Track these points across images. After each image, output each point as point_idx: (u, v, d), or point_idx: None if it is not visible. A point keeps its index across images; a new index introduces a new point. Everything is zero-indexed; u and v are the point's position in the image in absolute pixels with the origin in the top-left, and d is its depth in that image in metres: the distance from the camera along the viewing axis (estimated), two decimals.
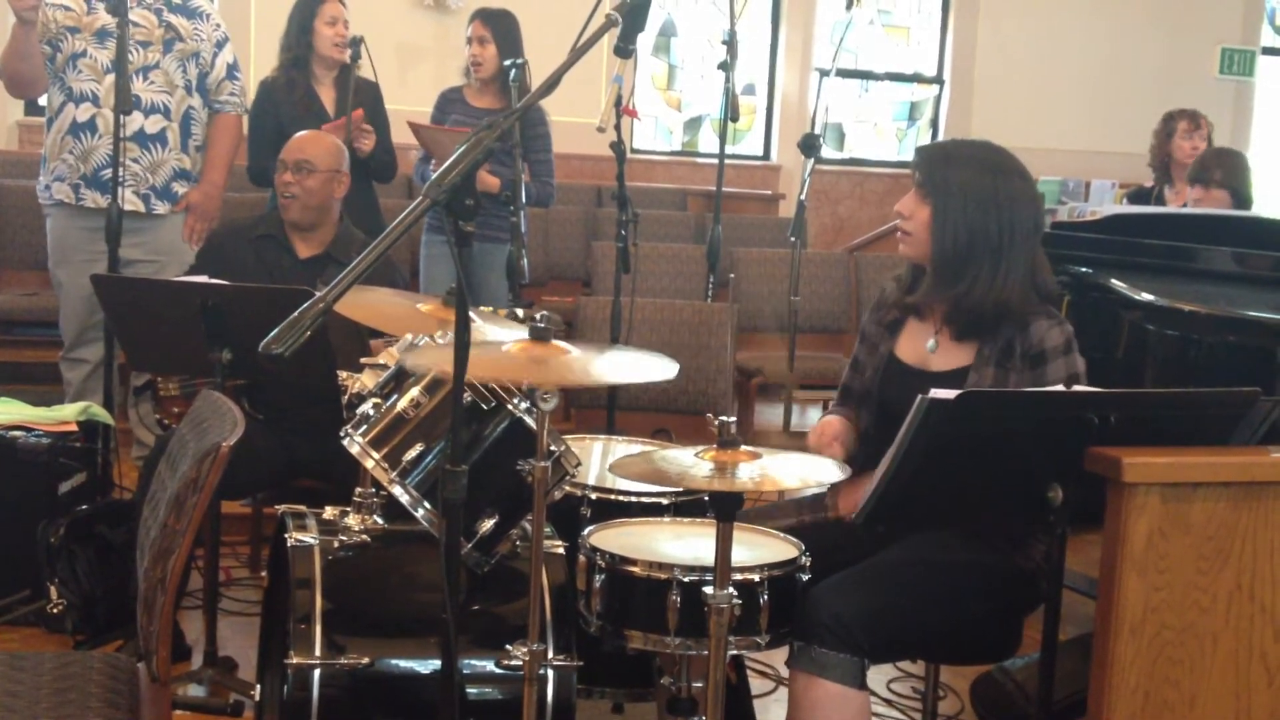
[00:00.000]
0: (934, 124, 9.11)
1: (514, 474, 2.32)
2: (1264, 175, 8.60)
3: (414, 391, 2.37)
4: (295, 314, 1.78)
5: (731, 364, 4.45)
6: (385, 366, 2.49)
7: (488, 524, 2.38)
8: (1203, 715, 2.19)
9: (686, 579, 2.27)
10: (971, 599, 2.44)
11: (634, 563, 2.32)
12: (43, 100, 4.46)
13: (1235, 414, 2.28)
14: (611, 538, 2.45)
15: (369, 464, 2.36)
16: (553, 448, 2.36)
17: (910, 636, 2.40)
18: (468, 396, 2.32)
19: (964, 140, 2.68)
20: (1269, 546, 2.19)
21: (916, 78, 9.09)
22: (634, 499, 2.73)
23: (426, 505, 2.34)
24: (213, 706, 3.09)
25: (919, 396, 2.09)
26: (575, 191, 7.24)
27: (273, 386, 3.49)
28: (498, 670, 2.38)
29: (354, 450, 2.38)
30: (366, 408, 2.42)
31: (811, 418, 2.60)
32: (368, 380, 2.49)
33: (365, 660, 2.33)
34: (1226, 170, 4.55)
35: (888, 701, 3.39)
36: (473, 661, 2.38)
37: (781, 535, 2.50)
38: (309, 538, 2.45)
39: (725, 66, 4.51)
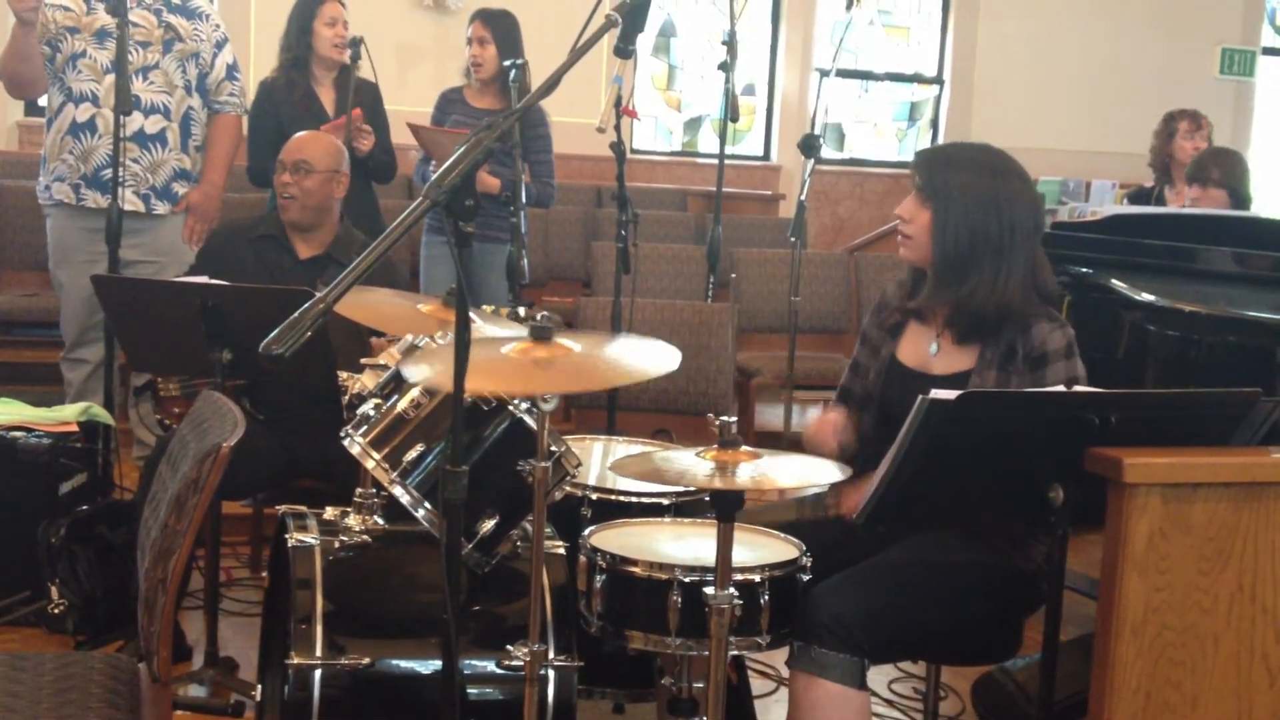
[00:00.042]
0: (934, 124, 9.11)
1: (514, 474, 2.32)
2: (1264, 175, 8.63)
3: (414, 392, 2.37)
4: (296, 314, 1.78)
5: (732, 364, 4.46)
6: (385, 367, 2.49)
7: (488, 524, 2.38)
8: (1204, 716, 2.18)
9: (687, 579, 2.27)
10: (971, 599, 2.44)
11: (635, 563, 2.32)
12: (42, 101, 4.46)
13: (1236, 414, 2.28)
14: (612, 538, 2.46)
15: (370, 464, 2.36)
16: (553, 448, 2.36)
17: (910, 637, 2.41)
18: (468, 397, 2.32)
19: (963, 143, 2.70)
20: (1270, 547, 2.19)
21: (916, 78, 9.09)
22: (634, 499, 2.73)
23: (427, 506, 2.34)
24: (213, 707, 3.09)
25: (919, 397, 2.09)
26: (575, 192, 7.24)
27: (273, 387, 3.49)
28: (498, 671, 2.38)
29: (355, 451, 2.38)
30: (367, 408, 2.42)
31: (812, 418, 2.61)
32: (368, 381, 2.49)
33: (366, 660, 2.33)
34: (1224, 169, 4.55)
35: (889, 702, 3.39)
36: (473, 662, 2.38)
37: (782, 536, 2.50)
38: (310, 538, 2.45)
39: (725, 67, 4.51)
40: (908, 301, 2.65)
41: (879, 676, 3.39)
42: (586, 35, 2.15)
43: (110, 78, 4.14)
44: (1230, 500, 2.16)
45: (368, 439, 2.37)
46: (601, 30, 2.14)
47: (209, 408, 2.12)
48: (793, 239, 4.55)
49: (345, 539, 2.47)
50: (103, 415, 3.84)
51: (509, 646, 2.27)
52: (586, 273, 6.46)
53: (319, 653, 2.31)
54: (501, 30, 4.74)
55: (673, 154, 8.62)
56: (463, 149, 1.90)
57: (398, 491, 2.34)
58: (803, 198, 4.51)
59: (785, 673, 2.55)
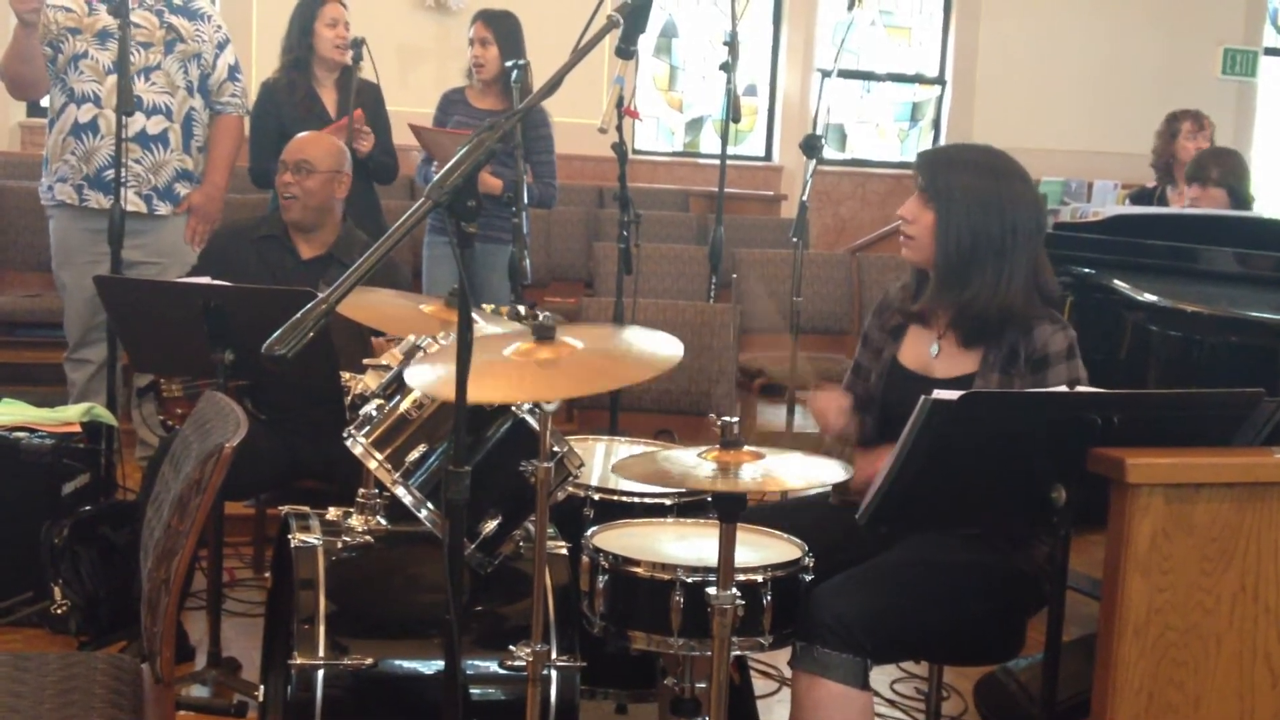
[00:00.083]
0: (936, 125, 9.11)
1: (517, 475, 2.32)
2: (1266, 176, 8.63)
3: (417, 392, 2.37)
4: (298, 315, 1.78)
5: (734, 365, 4.46)
6: (388, 367, 2.49)
7: (491, 525, 2.38)
8: (1207, 716, 2.18)
9: (690, 580, 2.27)
10: (974, 600, 2.44)
11: (637, 563, 2.32)
12: (44, 101, 4.47)
13: (1238, 415, 2.28)
14: (614, 538, 2.46)
15: (372, 465, 2.36)
16: (555, 448, 2.36)
17: (912, 637, 2.41)
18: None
19: (965, 144, 2.71)
20: (1273, 547, 2.19)
21: (918, 78, 9.09)
22: (637, 500, 2.73)
23: (430, 506, 2.34)
24: (216, 707, 3.08)
25: (922, 398, 2.09)
26: (577, 192, 7.24)
27: (276, 387, 3.49)
28: (501, 671, 2.38)
29: (357, 451, 2.38)
30: (370, 409, 2.42)
31: (817, 392, 2.62)
32: (370, 381, 2.49)
33: (369, 661, 2.33)
34: (1224, 169, 4.56)
35: (891, 702, 3.39)
36: (476, 662, 2.38)
37: (785, 536, 2.50)
38: (312, 539, 2.45)
39: (727, 67, 4.51)
40: (910, 304, 2.65)
41: (881, 677, 3.39)
42: (588, 36, 2.15)
43: (112, 78, 4.14)
44: (1233, 500, 2.16)
45: (370, 439, 2.37)
46: (603, 31, 2.14)
47: (211, 408, 2.12)
48: (794, 239, 4.55)
49: (348, 539, 2.47)
50: (105, 416, 3.84)
51: (511, 647, 2.28)
52: (588, 273, 6.47)
53: (322, 653, 2.31)
54: (503, 31, 4.74)
55: (674, 154, 8.62)
56: (465, 150, 1.90)
57: (400, 492, 2.34)
58: (804, 198, 4.51)
59: (788, 673, 2.55)
